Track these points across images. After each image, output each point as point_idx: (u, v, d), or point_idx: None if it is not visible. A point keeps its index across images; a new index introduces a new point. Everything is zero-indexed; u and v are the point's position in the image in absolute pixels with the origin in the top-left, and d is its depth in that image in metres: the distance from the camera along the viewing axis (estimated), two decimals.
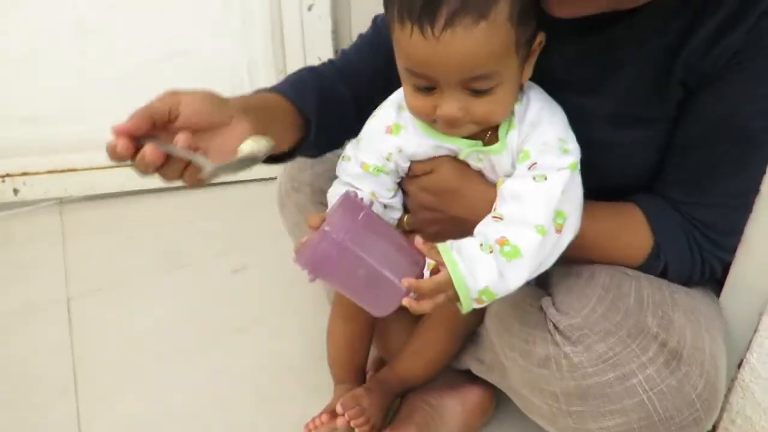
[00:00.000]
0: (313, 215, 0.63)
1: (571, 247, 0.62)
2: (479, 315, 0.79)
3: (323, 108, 0.75)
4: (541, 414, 0.70)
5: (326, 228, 0.59)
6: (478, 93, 0.60)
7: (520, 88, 0.66)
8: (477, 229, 0.61)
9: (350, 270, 0.60)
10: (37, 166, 1.42)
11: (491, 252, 0.58)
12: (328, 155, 0.85)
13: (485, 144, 0.66)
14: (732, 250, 0.69)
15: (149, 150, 0.53)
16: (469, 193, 0.69)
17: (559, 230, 0.60)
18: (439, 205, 0.71)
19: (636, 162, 0.69)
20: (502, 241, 0.58)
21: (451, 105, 0.60)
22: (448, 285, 0.57)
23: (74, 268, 1.29)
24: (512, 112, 0.65)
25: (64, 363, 1.07)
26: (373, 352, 0.92)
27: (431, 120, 0.64)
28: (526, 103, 0.65)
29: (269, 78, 1.41)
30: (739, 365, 0.72)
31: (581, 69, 0.67)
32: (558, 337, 0.64)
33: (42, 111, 1.37)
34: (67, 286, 1.24)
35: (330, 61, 0.84)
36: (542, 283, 0.78)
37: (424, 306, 0.58)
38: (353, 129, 0.75)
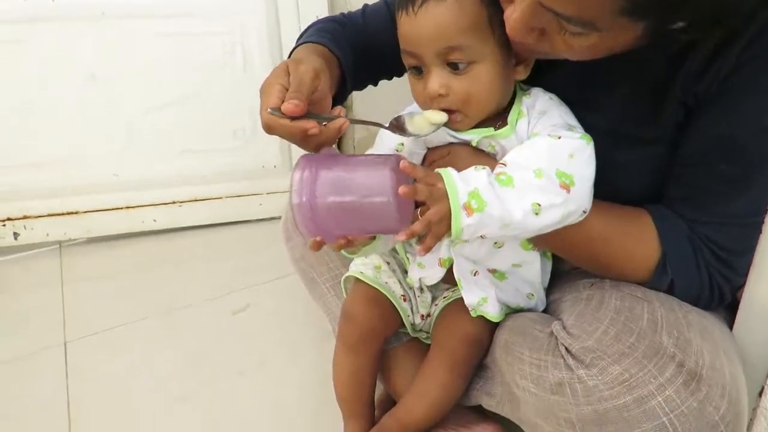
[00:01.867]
0: None
1: (580, 240, 0.61)
2: (484, 346, 0.77)
3: (357, 64, 0.82)
4: None
5: (292, 199, 0.61)
6: (456, 68, 0.65)
7: (526, 89, 0.70)
8: None
9: (339, 215, 0.61)
10: (38, 209, 1.42)
11: (484, 169, 0.61)
12: None
13: (496, 130, 0.69)
14: (742, 272, 0.67)
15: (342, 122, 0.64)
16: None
17: (564, 188, 0.60)
18: None
19: (629, 183, 0.69)
20: (500, 173, 0.62)
21: (433, 81, 0.66)
22: (441, 192, 0.59)
23: (72, 313, 1.26)
24: (521, 101, 0.70)
25: (59, 411, 1.03)
26: (381, 389, 0.88)
27: (427, 105, 0.69)
28: (535, 96, 0.70)
29: None
30: (761, 393, 0.70)
31: (580, 86, 0.68)
32: (571, 360, 0.62)
33: (45, 157, 1.38)
34: (64, 330, 1.21)
35: (363, 13, 0.88)
36: (551, 311, 0.77)
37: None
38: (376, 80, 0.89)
